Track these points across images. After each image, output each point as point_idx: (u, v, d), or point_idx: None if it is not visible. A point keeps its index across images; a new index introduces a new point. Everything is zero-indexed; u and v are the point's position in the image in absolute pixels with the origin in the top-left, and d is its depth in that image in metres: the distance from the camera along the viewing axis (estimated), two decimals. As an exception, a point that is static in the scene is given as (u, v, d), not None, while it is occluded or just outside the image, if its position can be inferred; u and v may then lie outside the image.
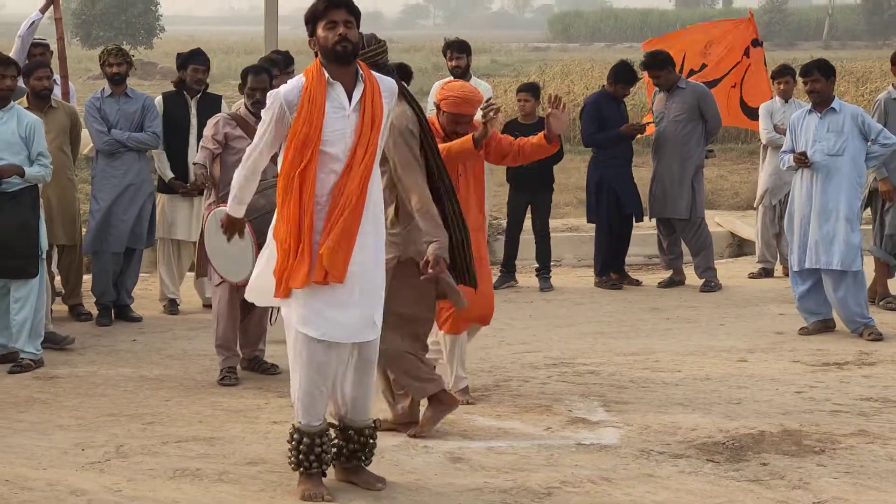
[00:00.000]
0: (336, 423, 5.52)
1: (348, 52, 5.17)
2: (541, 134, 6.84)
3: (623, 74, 10.96)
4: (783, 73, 11.19)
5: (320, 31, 5.22)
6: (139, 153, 9.41)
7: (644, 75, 11.39)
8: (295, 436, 5.34)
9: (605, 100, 11.01)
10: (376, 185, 5.27)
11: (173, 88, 9.59)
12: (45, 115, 8.63)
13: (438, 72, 34.31)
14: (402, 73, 7.14)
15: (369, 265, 5.25)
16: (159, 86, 9.12)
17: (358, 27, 5.28)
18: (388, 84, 5.33)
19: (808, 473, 5.76)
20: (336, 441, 5.49)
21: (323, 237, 5.12)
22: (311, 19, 5.26)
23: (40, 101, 8.87)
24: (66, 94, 9.78)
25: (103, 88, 9.47)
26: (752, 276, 11.32)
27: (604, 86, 11.30)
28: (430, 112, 10.34)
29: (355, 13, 5.25)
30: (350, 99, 5.20)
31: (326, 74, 5.20)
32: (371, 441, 5.54)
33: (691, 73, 12.02)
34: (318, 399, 5.30)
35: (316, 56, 5.28)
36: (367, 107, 5.18)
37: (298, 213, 5.11)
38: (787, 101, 11.07)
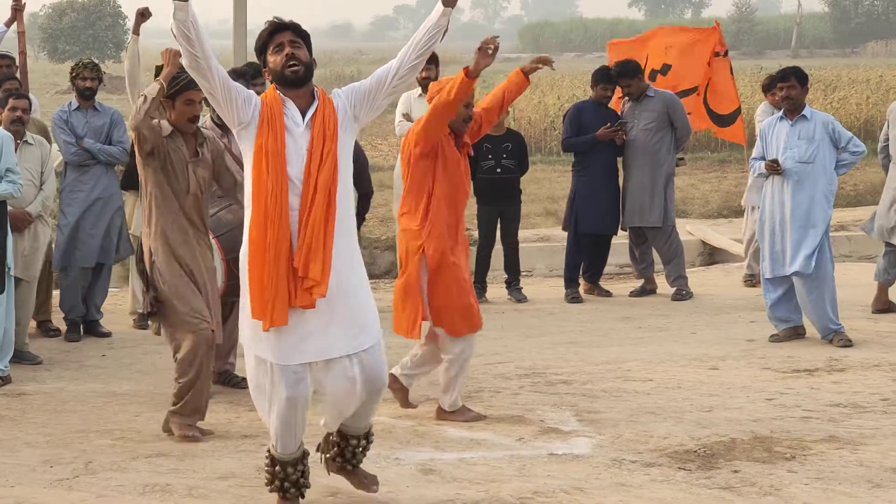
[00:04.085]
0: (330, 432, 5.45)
1: (299, 75, 5.10)
2: (517, 70, 7.31)
3: (600, 74, 11.01)
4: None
5: (269, 57, 5.16)
6: (107, 167, 9.36)
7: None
8: (274, 465, 5.26)
9: (590, 106, 11.03)
10: (345, 199, 5.19)
11: None
12: (20, 151, 8.52)
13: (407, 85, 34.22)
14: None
15: (344, 279, 5.17)
16: (128, 99, 9.03)
17: (308, 49, 5.22)
18: (342, 100, 5.26)
19: (779, 480, 5.77)
20: (333, 441, 5.43)
21: (298, 260, 5.04)
22: (261, 49, 5.22)
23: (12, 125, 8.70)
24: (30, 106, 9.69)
25: (70, 102, 9.42)
26: (748, 283, 11.29)
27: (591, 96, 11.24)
28: (398, 124, 10.39)
29: (302, 34, 5.20)
30: (304, 116, 5.15)
31: (280, 94, 5.15)
32: (368, 443, 5.48)
33: (653, 72, 12.03)
34: (296, 428, 5.20)
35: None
36: (318, 123, 5.10)
37: (277, 239, 5.02)
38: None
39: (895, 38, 72.66)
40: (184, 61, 5.02)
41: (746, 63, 42.48)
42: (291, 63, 5.10)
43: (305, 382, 5.10)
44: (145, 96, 6.60)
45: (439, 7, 5.23)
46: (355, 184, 5.67)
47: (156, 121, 6.66)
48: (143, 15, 9.44)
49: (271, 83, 5.21)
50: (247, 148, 5.11)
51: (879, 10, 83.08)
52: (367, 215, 10.22)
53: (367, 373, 5.16)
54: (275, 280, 5.00)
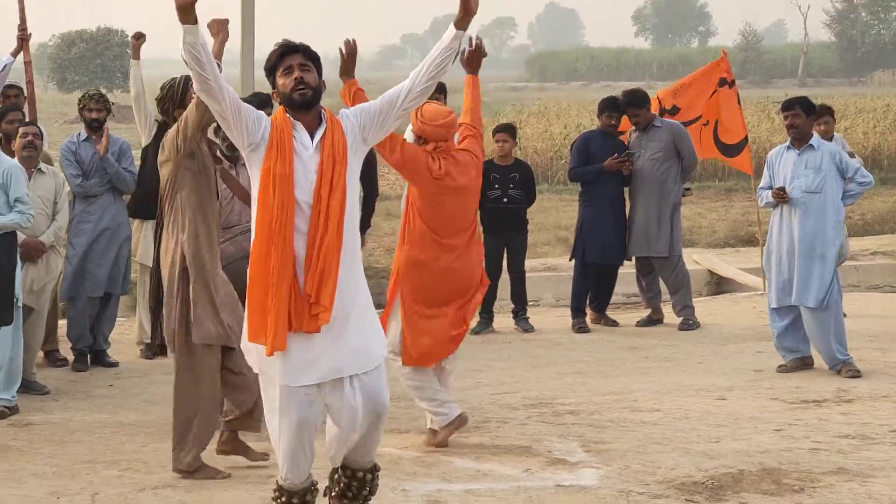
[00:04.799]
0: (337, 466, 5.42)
1: (307, 98, 5.11)
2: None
3: (604, 103, 11.04)
4: (821, 114, 11.15)
5: (279, 79, 5.17)
6: (115, 197, 9.38)
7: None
8: (282, 495, 5.23)
9: (597, 136, 11.05)
10: (351, 221, 5.18)
11: (156, 127, 9.49)
12: (32, 179, 8.55)
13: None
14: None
15: (350, 302, 5.17)
16: (136, 129, 9.11)
17: (318, 72, 5.24)
18: (350, 121, 5.28)
19: (788, 512, 5.75)
20: (338, 479, 5.41)
21: (310, 285, 5.05)
22: (270, 70, 5.23)
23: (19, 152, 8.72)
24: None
25: (80, 133, 9.45)
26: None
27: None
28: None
29: (312, 57, 5.22)
30: (312, 138, 5.16)
31: (290, 116, 5.18)
32: (375, 479, 5.42)
33: (662, 112, 12.05)
34: (304, 456, 5.20)
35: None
36: (327, 146, 5.12)
37: (280, 264, 5.03)
38: (829, 140, 11.03)
39: (902, 67, 72.75)
40: (195, 85, 5.03)
41: (753, 92, 42.53)
42: (300, 87, 5.11)
43: (316, 405, 5.09)
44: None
45: (451, 29, 5.24)
46: (362, 182, 5.61)
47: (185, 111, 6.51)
48: (139, 38, 9.50)
49: (279, 104, 5.23)
50: (255, 171, 5.12)
51: (886, 39, 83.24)
52: (371, 244, 10.23)
53: (368, 393, 5.15)
54: (275, 304, 4.99)
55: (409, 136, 8.69)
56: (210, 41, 5.16)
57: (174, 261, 6.39)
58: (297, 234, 5.02)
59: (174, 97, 6.92)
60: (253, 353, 5.17)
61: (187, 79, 6.63)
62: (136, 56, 9.63)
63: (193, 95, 6.30)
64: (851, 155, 11.37)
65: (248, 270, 5.07)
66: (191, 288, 6.34)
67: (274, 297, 4.98)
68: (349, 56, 6.33)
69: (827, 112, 11.12)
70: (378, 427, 5.27)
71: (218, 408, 6.55)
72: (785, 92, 34.70)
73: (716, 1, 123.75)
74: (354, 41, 6.36)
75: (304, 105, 5.11)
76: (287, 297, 4.98)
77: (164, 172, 6.51)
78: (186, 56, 4.90)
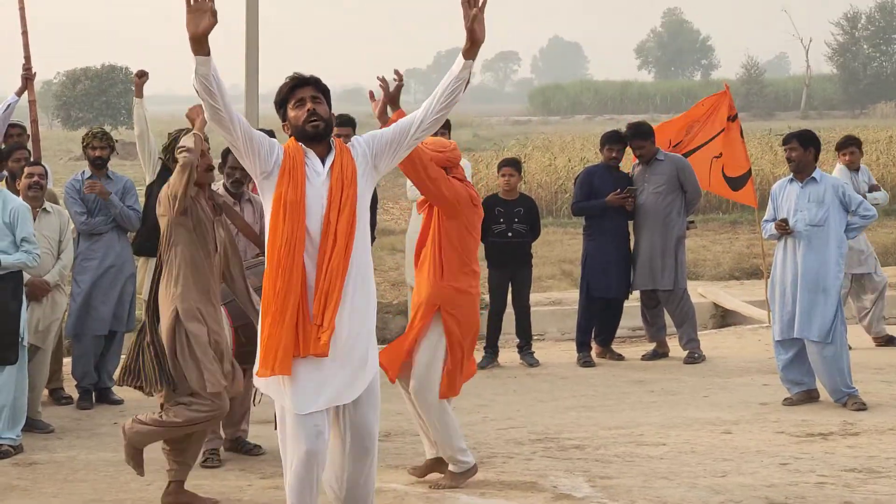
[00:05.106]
0: None
1: (319, 130, 5.18)
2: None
3: (606, 136, 11.07)
4: (847, 144, 11.22)
5: (290, 112, 5.24)
6: (119, 234, 9.40)
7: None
8: None
9: (600, 170, 11.07)
10: (362, 246, 5.20)
11: (160, 164, 9.51)
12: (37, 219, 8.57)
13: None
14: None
15: (356, 327, 5.17)
16: (140, 165, 9.14)
17: (329, 104, 5.29)
18: (361, 147, 5.31)
19: (795, 547, 5.72)
20: None
21: (316, 307, 5.04)
22: (281, 103, 5.29)
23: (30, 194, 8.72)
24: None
25: (84, 171, 9.48)
26: None
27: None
28: (410, 188, 10.42)
29: (323, 89, 5.27)
30: (324, 165, 5.20)
31: (301, 145, 5.21)
32: None
33: (669, 145, 12.08)
34: (311, 489, 5.17)
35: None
36: (336, 171, 5.16)
37: (286, 289, 5.05)
38: (856, 171, 11.08)
39: (904, 99, 72.87)
40: (206, 115, 5.07)
41: (756, 125, 42.63)
42: (313, 118, 5.18)
43: (324, 436, 5.10)
44: (187, 143, 6.53)
45: (460, 59, 5.27)
46: None
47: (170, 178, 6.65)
48: (142, 77, 9.52)
49: (290, 136, 5.27)
50: (267, 198, 5.18)
51: (888, 71, 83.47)
52: (376, 279, 10.22)
53: (356, 427, 5.24)
54: (280, 329, 5.02)
55: (411, 192, 8.69)
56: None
57: (169, 314, 6.55)
58: (308, 260, 5.06)
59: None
60: (272, 380, 5.17)
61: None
62: (140, 94, 9.69)
63: (179, 151, 6.43)
64: (876, 187, 11.35)
65: (262, 296, 5.12)
66: (176, 342, 6.50)
67: (278, 322, 5.01)
68: (395, 91, 6.21)
69: (853, 143, 11.18)
70: (363, 453, 5.27)
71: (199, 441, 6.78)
72: (788, 125, 34.73)
73: (718, 34, 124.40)
74: (399, 75, 6.26)
75: (317, 136, 5.19)
76: (294, 322, 5.01)
77: (162, 224, 6.67)
78: (199, 86, 4.93)
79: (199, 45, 4.85)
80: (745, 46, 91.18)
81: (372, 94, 6.25)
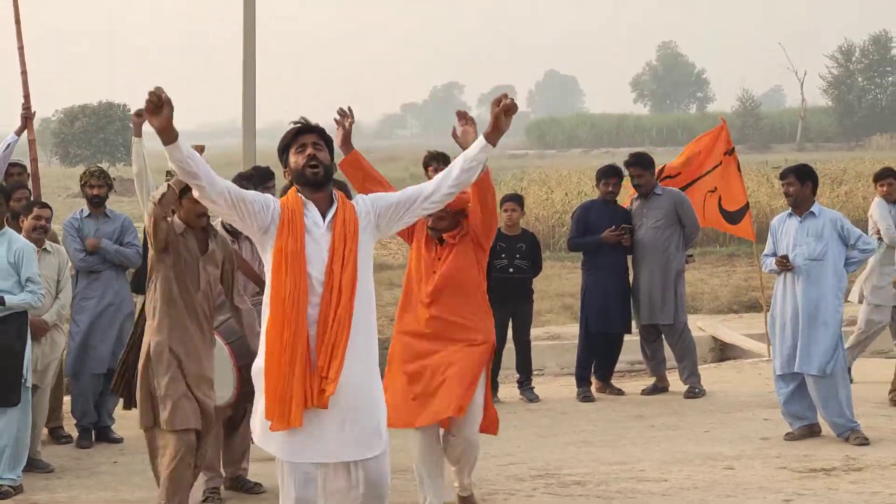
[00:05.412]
0: None
1: (319, 176, 5.16)
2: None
3: (601, 171, 11.09)
4: (885, 176, 11.14)
5: (291, 157, 5.23)
6: (118, 273, 9.39)
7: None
8: None
9: (597, 205, 11.08)
10: (365, 299, 5.17)
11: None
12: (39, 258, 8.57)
13: (416, 181, 34.40)
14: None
15: (360, 380, 5.15)
16: (137, 202, 9.17)
17: (331, 154, 5.28)
18: (365, 205, 5.31)
19: (799, 584, 5.69)
20: None
21: (322, 359, 5.03)
22: (283, 149, 5.28)
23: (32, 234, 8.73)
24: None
25: (82, 209, 9.48)
26: None
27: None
28: None
29: (326, 139, 5.27)
30: (324, 218, 5.19)
31: (301, 196, 5.21)
32: None
33: (666, 177, 12.08)
34: None
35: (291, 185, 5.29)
36: (338, 224, 5.15)
37: (293, 340, 5.03)
38: (894, 203, 10.99)
39: (899, 131, 73.13)
40: (194, 193, 5.09)
41: (752, 157, 42.73)
42: (313, 163, 5.16)
43: (315, 484, 5.07)
44: (156, 196, 6.69)
45: (480, 140, 5.26)
46: None
47: (169, 218, 6.75)
48: (140, 116, 9.52)
49: (291, 184, 5.26)
50: (267, 252, 5.16)
51: (883, 103, 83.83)
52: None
53: (371, 480, 5.15)
54: (290, 381, 5.00)
55: None
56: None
57: (145, 345, 6.75)
58: (311, 310, 5.04)
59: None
60: (257, 426, 5.16)
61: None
62: (138, 134, 9.68)
63: (150, 198, 6.60)
64: None
65: (265, 348, 5.08)
66: (151, 374, 6.71)
67: (288, 374, 4.98)
68: (346, 131, 6.25)
69: (891, 174, 11.10)
70: (382, 503, 5.23)
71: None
72: (784, 157, 34.84)
73: (713, 67, 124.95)
74: (350, 109, 6.29)
75: (317, 183, 5.16)
76: (303, 373, 4.99)
77: (150, 258, 6.83)
78: (177, 171, 4.97)
79: (167, 134, 4.86)
80: (740, 79, 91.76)
81: (337, 122, 6.24)
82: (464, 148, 5.83)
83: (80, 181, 9.62)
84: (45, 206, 8.85)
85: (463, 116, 6.23)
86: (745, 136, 73.10)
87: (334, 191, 5.25)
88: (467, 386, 6.66)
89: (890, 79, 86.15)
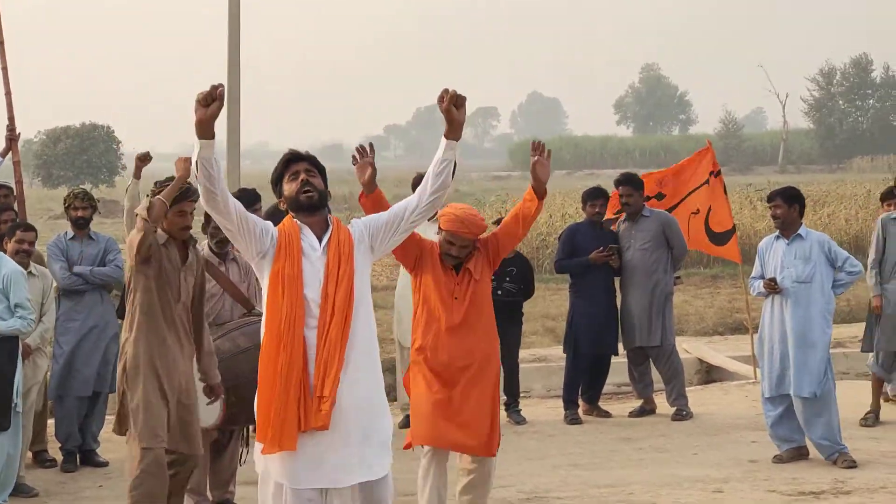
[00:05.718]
0: None
1: (313, 201, 5.17)
2: (529, 188, 6.90)
3: (587, 192, 11.08)
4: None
5: (285, 186, 5.24)
6: (102, 295, 9.33)
7: (613, 193, 11.38)
8: None
9: (584, 227, 11.07)
10: (364, 318, 5.14)
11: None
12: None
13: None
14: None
15: (365, 401, 5.12)
16: (120, 224, 9.16)
17: (324, 181, 5.28)
18: (359, 228, 5.31)
19: None
20: None
21: (317, 378, 4.99)
22: (276, 179, 5.30)
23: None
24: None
25: (67, 231, 9.42)
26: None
27: None
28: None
29: (318, 166, 5.28)
30: (320, 242, 5.18)
31: (297, 221, 5.20)
32: None
33: (646, 198, 12.09)
34: None
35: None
36: (333, 246, 5.14)
37: (289, 362, 5.00)
38: None
39: (880, 153, 73.59)
40: (201, 198, 5.04)
41: (735, 179, 42.83)
42: (306, 189, 5.17)
43: None
44: (142, 211, 6.66)
45: (443, 141, 5.27)
46: None
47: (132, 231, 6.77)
48: (143, 160, 9.39)
49: (286, 212, 5.25)
50: (264, 276, 5.15)
51: (863, 126, 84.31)
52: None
53: (373, 501, 5.11)
54: (284, 404, 4.96)
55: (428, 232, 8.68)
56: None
57: (122, 358, 6.73)
58: (308, 333, 5.02)
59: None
60: (259, 450, 5.12)
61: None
62: (138, 176, 9.54)
63: (136, 214, 6.58)
64: None
65: (259, 371, 5.05)
66: (127, 387, 6.67)
67: (282, 397, 4.95)
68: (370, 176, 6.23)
69: None
70: None
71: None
72: (767, 179, 34.98)
73: (695, 89, 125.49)
74: (371, 146, 6.29)
75: (311, 208, 5.17)
76: (297, 395, 4.96)
77: (126, 270, 6.84)
78: (199, 170, 4.90)
79: (205, 129, 4.83)
80: (722, 101, 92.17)
81: (355, 158, 6.23)
82: (540, 180, 6.65)
83: (65, 203, 9.56)
84: (30, 228, 8.79)
85: (535, 148, 6.72)
86: (728, 158, 73.39)
87: (329, 216, 5.25)
88: (492, 417, 6.85)
89: (870, 101, 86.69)
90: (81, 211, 9.33)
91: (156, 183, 7.00)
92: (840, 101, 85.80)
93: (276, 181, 5.29)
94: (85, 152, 48.26)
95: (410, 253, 6.81)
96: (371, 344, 5.17)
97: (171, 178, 6.91)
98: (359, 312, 5.09)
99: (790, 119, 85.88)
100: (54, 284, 9.12)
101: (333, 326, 5.01)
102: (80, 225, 9.33)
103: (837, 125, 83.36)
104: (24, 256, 8.52)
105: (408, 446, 6.92)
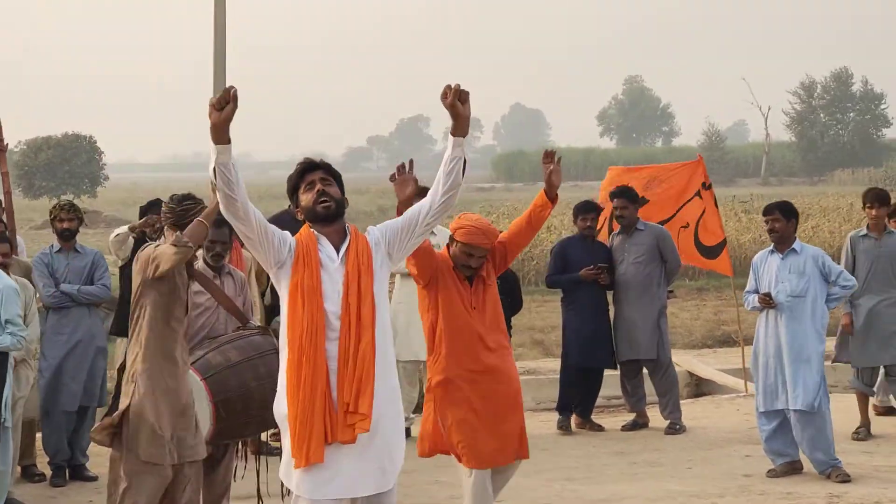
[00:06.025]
0: None
1: (331, 211, 5.14)
2: (540, 192, 7.03)
3: (577, 207, 11.06)
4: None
5: (301, 196, 5.21)
6: (89, 309, 9.25)
7: (608, 205, 11.35)
8: None
9: (576, 241, 11.03)
10: (383, 333, 5.12)
11: (133, 243, 9.33)
12: None
13: (384, 214, 34.48)
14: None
15: (385, 413, 5.07)
16: (104, 234, 9.14)
17: (340, 188, 5.24)
18: (375, 236, 5.27)
19: None
20: None
21: (348, 394, 4.95)
22: (292, 189, 5.26)
23: None
24: (13, 248, 9.61)
25: (52, 245, 9.33)
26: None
27: None
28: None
29: (334, 174, 5.24)
30: (338, 252, 5.14)
31: (314, 231, 5.15)
32: None
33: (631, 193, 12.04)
34: None
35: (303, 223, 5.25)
36: (352, 257, 5.11)
37: (313, 375, 4.96)
38: None
39: (860, 166, 73.98)
40: (220, 206, 4.97)
41: (719, 191, 42.70)
42: (323, 198, 5.14)
43: None
44: (182, 239, 6.46)
45: (450, 139, 5.23)
46: None
47: (162, 247, 6.57)
48: (149, 226, 9.17)
49: (303, 222, 5.21)
50: (283, 287, 5.11)
51: (844, 139, 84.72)
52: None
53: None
54: (310, 417, 4.94)
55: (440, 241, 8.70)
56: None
57: (131, 372, 6.51)
58: (329, 345, 4.98)
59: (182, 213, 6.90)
60: (284, 464, 5.10)
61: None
62: (134, 230, 9.38)
63: (177, 241, 6.36)
64: None
65: (284, 385, 5.02)
66: (133, 400, 6.45)
67: (307, 410, 4.93)
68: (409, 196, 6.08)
69: None
70: None
71: None
72: (750, 192, 35.13)
73: (678, 101, 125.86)
74: (412, 162, 6.18)
75: (328, 217, 5.14)
76: (322, 410, 4.92)
77: (135, 281, 6.58)
78: (217, 176, 4.83)
79: (220, 133, 4.76)
80: (705, 114, 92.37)
81: (394, 176, 6.09)
82: (553, 186, 6.88)
83: (50, 215, 9.46)
84: (4, 239, 8.68)
85: (548, 156, 6.99)
86: (712, 170, 73.02)
87: (347, 224, 5.21)
88: (522, 423, 7.10)
89: (851, 115, 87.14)
90: (67, 223, 9.24)
91: (171, 197, 6.91)
92: (821, 114, 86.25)
93: (293, 191, 5.24)
94: (67, 163, 48.09)
95: (428, 266, 6.78)
96: (388, 353, 5.17)
97: (187, 195, 6.84)
98: (379, 325, 5.08)
99: (772, 131, 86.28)
100: (37, 295, 9.02)
101: (363, 343, 4.98)
102: (66, 237, 9.24)
103: (819, 138, 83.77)
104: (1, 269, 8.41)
105: (425, 455, 7.07)
